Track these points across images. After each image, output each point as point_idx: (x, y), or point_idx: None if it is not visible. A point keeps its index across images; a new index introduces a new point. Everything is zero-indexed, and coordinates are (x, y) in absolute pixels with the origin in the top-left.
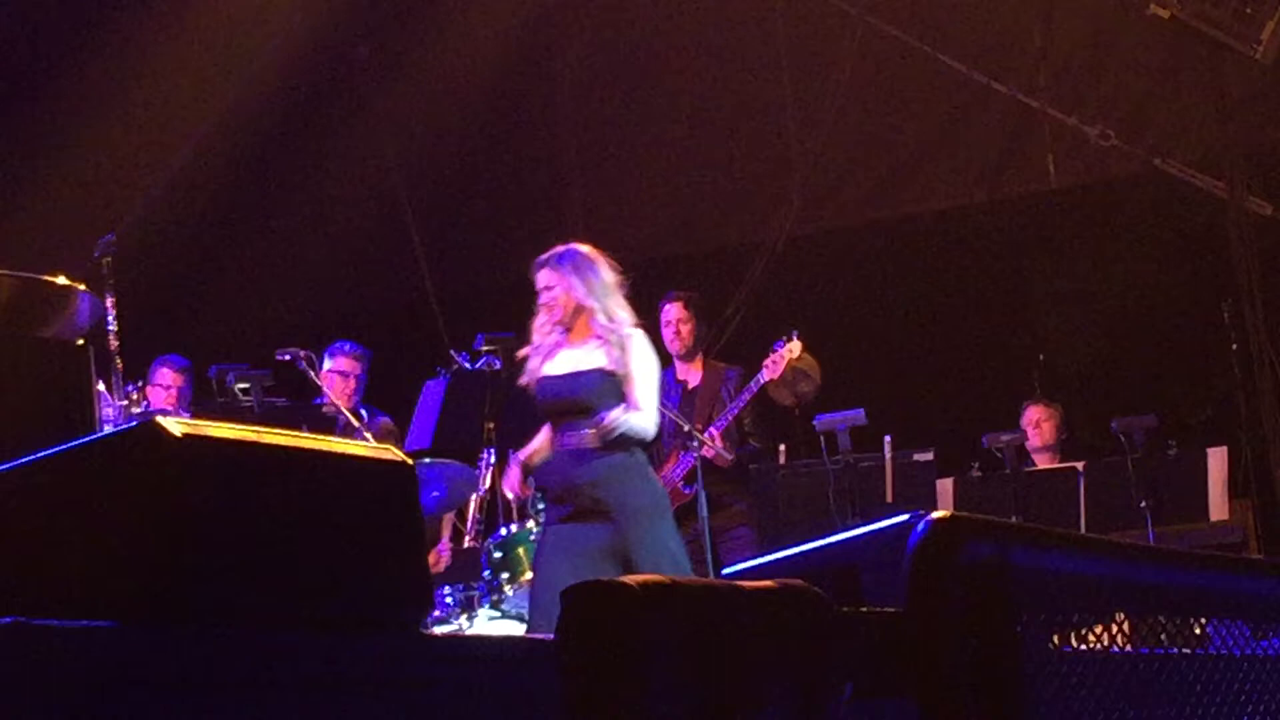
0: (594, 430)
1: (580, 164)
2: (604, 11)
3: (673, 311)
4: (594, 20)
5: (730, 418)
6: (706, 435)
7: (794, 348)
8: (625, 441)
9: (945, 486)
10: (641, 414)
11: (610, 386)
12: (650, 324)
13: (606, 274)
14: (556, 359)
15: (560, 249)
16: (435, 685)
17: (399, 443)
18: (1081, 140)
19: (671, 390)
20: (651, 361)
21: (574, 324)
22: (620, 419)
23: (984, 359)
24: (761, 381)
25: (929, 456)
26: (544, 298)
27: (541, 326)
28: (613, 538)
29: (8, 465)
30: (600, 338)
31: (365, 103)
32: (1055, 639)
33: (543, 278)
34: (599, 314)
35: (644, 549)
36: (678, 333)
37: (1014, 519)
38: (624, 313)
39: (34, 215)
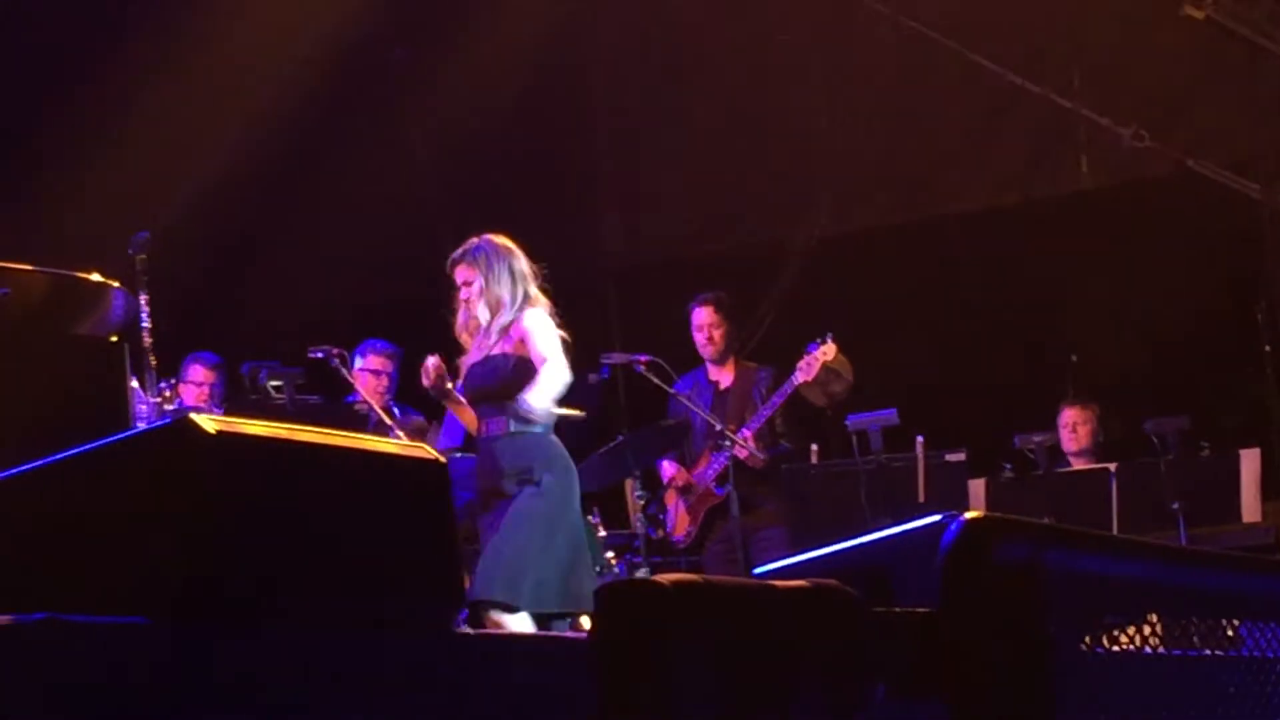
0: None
1: (613, 163)
2: (637, 11)
3: (703, 316)
4: (627, 20)
5: (763, 419)
6: (739, 436)
7: (828, 350)
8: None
9: (977, 487)
10: (544, 375)
11: (523, 369)
12: (680, 324)
13: (522, 263)
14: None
15: (475, 241)
16: (468, 684)
17: (431, 441)
18: (1115, 141)
19: (704, 391)
20: (544, 321)
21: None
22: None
23: (1016, 359)
24: (795, 383)
25: (961, 457)
26: (463, 293)
27: (464, 325)
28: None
29: (43, 461)
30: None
31: (398, 101)
32: (1087, 640)
33: (460, 273)
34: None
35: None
36: (710, 338)
37: (1046, 520)
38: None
39: (69, 213)
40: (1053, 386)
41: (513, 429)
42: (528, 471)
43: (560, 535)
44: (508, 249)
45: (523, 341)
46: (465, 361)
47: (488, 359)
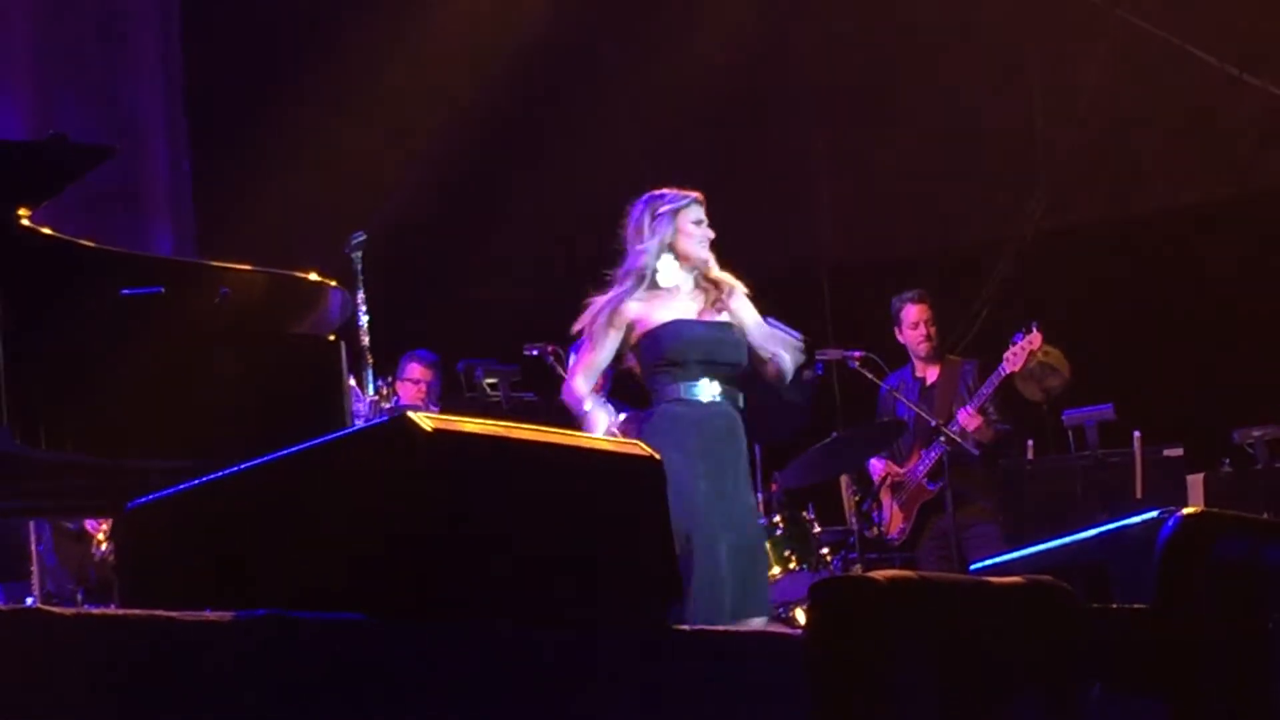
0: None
1: (828, 160)
2: (847, 4)
3: (921, 312)
4: (837, 15)
5: (983, 398)
6: (962, 414)
7: (1034, 339)
8: None
9: (1195, 482)
10: None
11: None
12: (885, 321)
13: None
14: None
15: None
16: (684, 678)
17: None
18: None
19: (910, 388)
20: None
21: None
22: None
23: (1234, 354)
24: (1003, 374)
25: (1179, 452)
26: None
27: None
28: None
29: (264, 459)
30: None
31: (609, 98)
32: None
33: None
34: None
35: None
36: (928, 334)
37: (1266, 515)
38: None
39: (287, 213)
40: (1274, 380)
41: None
42: None
43: None
44: None
45: None
46: None
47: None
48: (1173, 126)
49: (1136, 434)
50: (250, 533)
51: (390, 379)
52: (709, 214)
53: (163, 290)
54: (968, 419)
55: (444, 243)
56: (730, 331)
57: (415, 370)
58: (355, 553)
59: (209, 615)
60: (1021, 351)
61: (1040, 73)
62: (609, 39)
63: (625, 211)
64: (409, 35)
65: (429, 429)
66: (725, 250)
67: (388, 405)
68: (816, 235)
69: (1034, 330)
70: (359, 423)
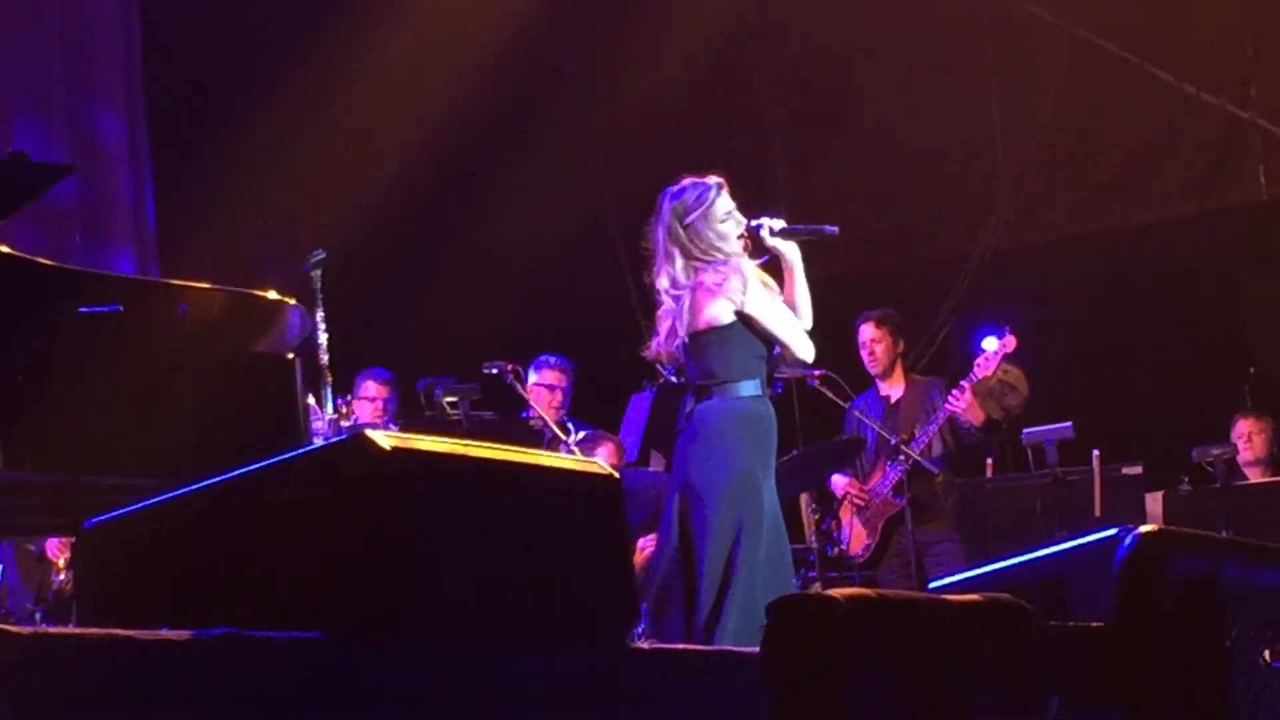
0: None
1: (786, 178)
2: (808, 24)
3: (866, 332)
4: (798, 33)
5: (967, 385)
6: (954, 395)
7: (1008, 342)
8: None
9: (1154, 501)
10: None
11: None
12: (847, 338)
13: None
14: None
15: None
16: (642, 698)
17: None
18: None
19: (874, 406)
20: None
21: None
22: None
23: (1193, 372)
24: (976, 378)
25: (1138, 470)
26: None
27: None
28: None
29: (220, 478)
30: None
31: (570, 115)
32: (1266, 654)
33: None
34: None
35: None
36: (871, 353)
37: (1224, 534)
38: None
39: (245, 230)
40: (1231, 399)
41: None
42: None
43: None
44: None
45: None
46: None
47: None
48: (1131, 146)
49: (1095, 452)
50: (208, 551)
51: (349, 397)
52: None
53: (121, 308)
54: (957, 400)
55: (403, 261)
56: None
57: (371, 388)
58: (313, 571)
59: (166, 634)
60: (995, 356)
61: (1000, 92)
62: (570, 58)
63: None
64: (369, 56)
65: (387, 447)
66: None
67: (347, 423)
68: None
69: (1007, 335)
70: (318, 441)
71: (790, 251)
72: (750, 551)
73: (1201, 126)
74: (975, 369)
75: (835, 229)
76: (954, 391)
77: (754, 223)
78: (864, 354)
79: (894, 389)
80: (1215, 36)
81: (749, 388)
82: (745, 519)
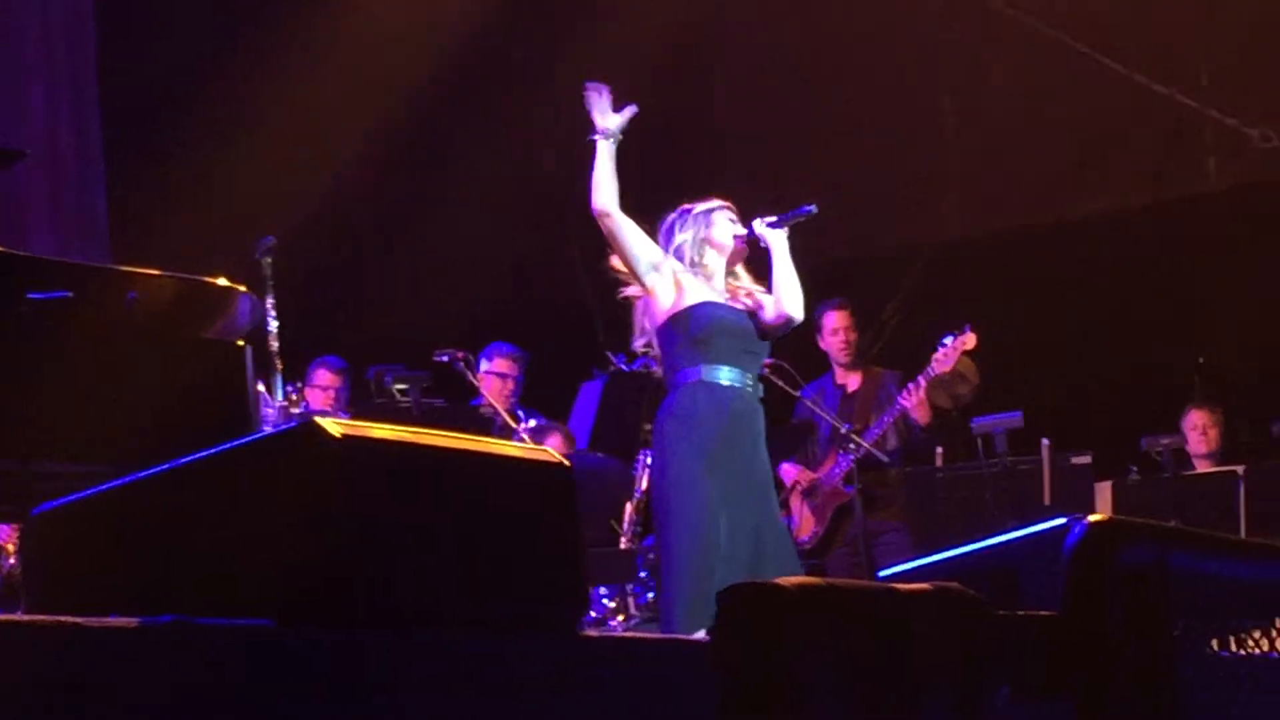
0: None
1: (738, 167)
2: (761, 14)
3: (840, 319)
4: (751, 23)
5: (922, 382)
6: (904, 394)
7: (967, 339)
8: None
9: (1103, 490)
10: None
11: None
12: (803, 328)
13: None
14: None
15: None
16: (591, 686)
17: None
18: (1243, 142)
19: (830, 396)
20: None
21: None
22: None
23: (1143, 362)
24: (933, 374)
25: (1087, 459)
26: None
27: None
28: None
29: (169, 465)
30: None
31: (523, 104)
32: (1214, 643)
33: None
34: None
35: None
36: (847, 341)
37: (1173, 523)
38: None
39: (196, 217)
40: (1180, 389)
41: None
42: None
43: None
44: None
45: None
46: None
47: None
48: (1082, 136)
49: (1045, 441)
50: (158, 538)
51: (300, 385)
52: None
53: (70, 295)
54: (909, 396)
55: (354, 248)
56: (753, 320)
57: (324, 377)
58: (262, 559)
59: (114, 621)
60: (954, 351)
61: (951, 80)
62: (521, 49)
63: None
64: (321, 42)
65: (337, 435)
66: None
67: (297, 411)
68: None
69: (966, 331)
70: (268, 428)
71: (775, 239)
72: (694, 538)
73: (1152, 117)
74: (932, 364)
75: (814, 206)
76: (909, 385)
77: (742, 232)
78: (835, 341)
79: (852, 379)
80: (1166, 27)
81: (715, 373)
82: (690, 505)
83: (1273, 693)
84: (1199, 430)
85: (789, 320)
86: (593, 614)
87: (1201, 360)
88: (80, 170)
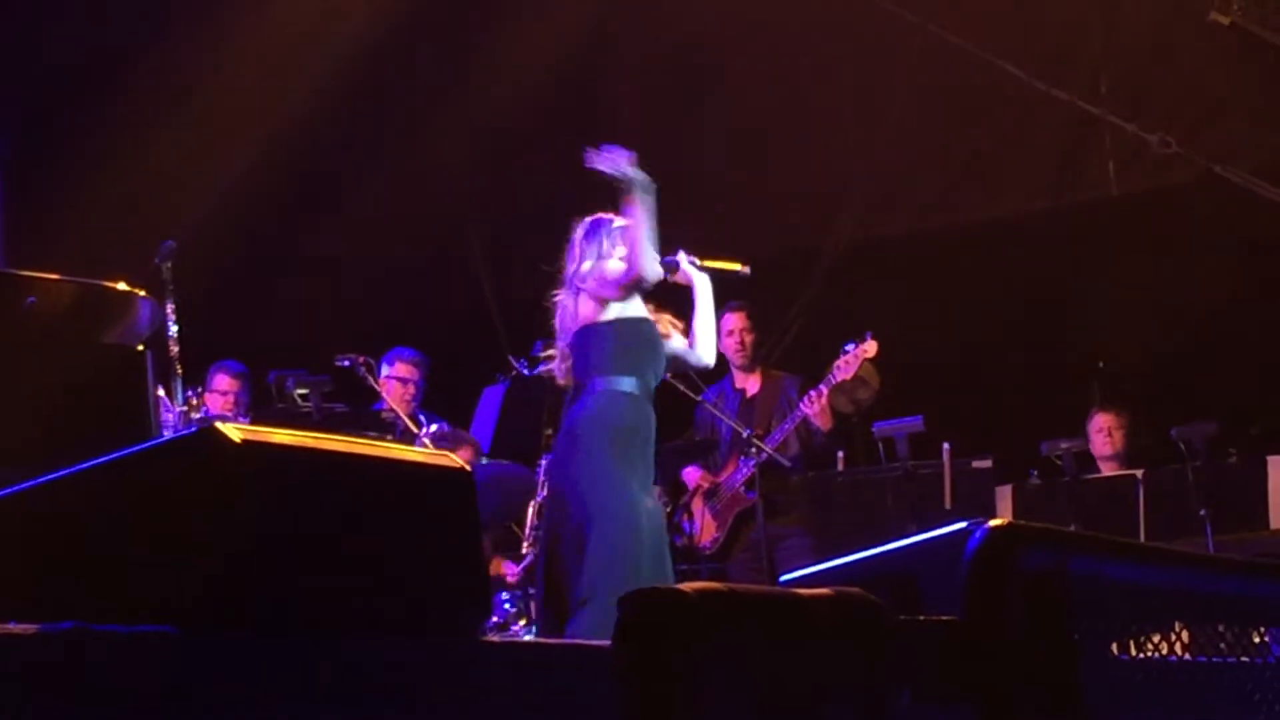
0: None
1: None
2: (663, 18)
3: (735, 321)
4: (653, 26)
5: (824, 389)
6: (806, 401)
7: (868, 347)
8: None
9: (1004, 494)
10: None
11: None
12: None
13: None
14: None
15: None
16: (492, 691)
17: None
18: (1142, 147)
19: (730, 399)
20: None
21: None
22: None
23: (1043, 366)
24: (834, 380)
25: (987, 464)
26: None
27: None
28: None
29: (68, 470)
30: None
31: (425, 110)
32: (1114, 647)
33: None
34: None
35: None
36: (742, 343)
37: (1072, 527)
38: None
39: (95, 221)
40: (1080, 393)
41: None
42: None
43: None
44: None
45: None
46: None
47: None
48: (982, 141)
49: (946, 446)
50: (57, 544)
51: (200, 389)
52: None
53: None
54: (811, 404)
55: (255, 253)
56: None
57: (223, 381)
58: (163, 565)
59: (11, 628)
60: (855, 359)
61: (852, 86)
62: (429, 48)
63: (571, 229)
64: (225, 46)
65: (237, 439)
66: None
67: (197, 416)
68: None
69: (868, 339)
70: (167, 433)
71: (701, 282)
72: (607, 545)
73: (1052, 122)
74: (834, 372)
75: (748, 269)
76: (810, 393)
77: (669, 258)
78: (731, 343)
79: (751, 383)
80: (1065, 33)
81: (621, 383)
82: (597, 515)
83: (1172, 697)
84: (1104, 433)
85: (705, 369)
86: (495, 619)
87: (1101, 365)
88: None
